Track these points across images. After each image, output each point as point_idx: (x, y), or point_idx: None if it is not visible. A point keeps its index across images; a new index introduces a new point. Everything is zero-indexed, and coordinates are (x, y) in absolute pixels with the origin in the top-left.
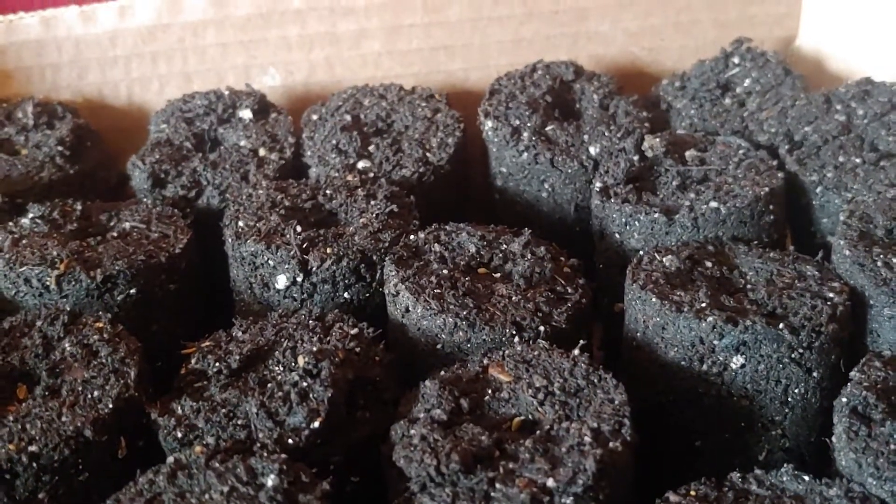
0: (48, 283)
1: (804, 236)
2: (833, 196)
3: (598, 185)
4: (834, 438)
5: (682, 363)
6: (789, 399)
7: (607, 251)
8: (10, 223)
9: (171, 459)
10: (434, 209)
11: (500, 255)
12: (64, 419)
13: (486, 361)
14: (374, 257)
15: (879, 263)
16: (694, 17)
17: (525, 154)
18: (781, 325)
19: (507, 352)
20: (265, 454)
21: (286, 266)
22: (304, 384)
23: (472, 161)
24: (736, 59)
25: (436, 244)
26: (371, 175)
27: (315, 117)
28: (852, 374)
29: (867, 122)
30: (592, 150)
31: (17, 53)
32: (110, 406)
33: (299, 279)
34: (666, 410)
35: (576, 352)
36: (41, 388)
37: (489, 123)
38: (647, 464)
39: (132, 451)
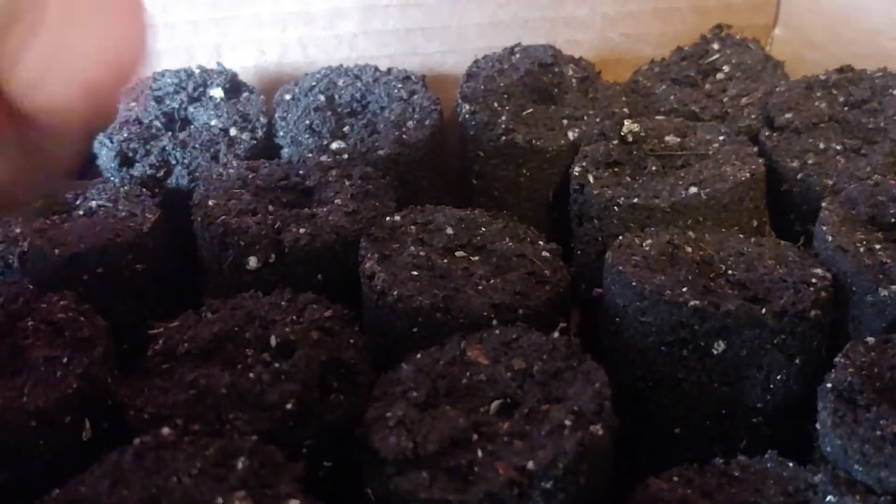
0: (11, 260)
1: (784, 223)
2: (814, 183)
3: (576, 169)
4: (818, 424)
5: (662, 348)
6: (771, 385)
7: (586, 237)
8: None
9: (137, 440)
10: (410, 193)
11: (478, 237)
12: (25, 398)
13: (463, 344)
14: (349, 238)
15: (862, 249)
16: (672, 4)
17: (503, 137)
18: (764, 310)
19: (484, 334)
20: (236, 435)
21: (257, 246)
22: (277, 365)
23: (449, 146)
24: (716, 45)
25: (412, 226)
26: (346, 156)
27: (288, 97)
28: (837, 359)
29: (848, 109)
30: (571, 135)
31: None
32: (74, 385)
33: (271, 260)
34: (645, 396)
35: (555, 334)
36: (2, 366)
37: (467, 106)
38: (627, 451)
39: (97, 434)
